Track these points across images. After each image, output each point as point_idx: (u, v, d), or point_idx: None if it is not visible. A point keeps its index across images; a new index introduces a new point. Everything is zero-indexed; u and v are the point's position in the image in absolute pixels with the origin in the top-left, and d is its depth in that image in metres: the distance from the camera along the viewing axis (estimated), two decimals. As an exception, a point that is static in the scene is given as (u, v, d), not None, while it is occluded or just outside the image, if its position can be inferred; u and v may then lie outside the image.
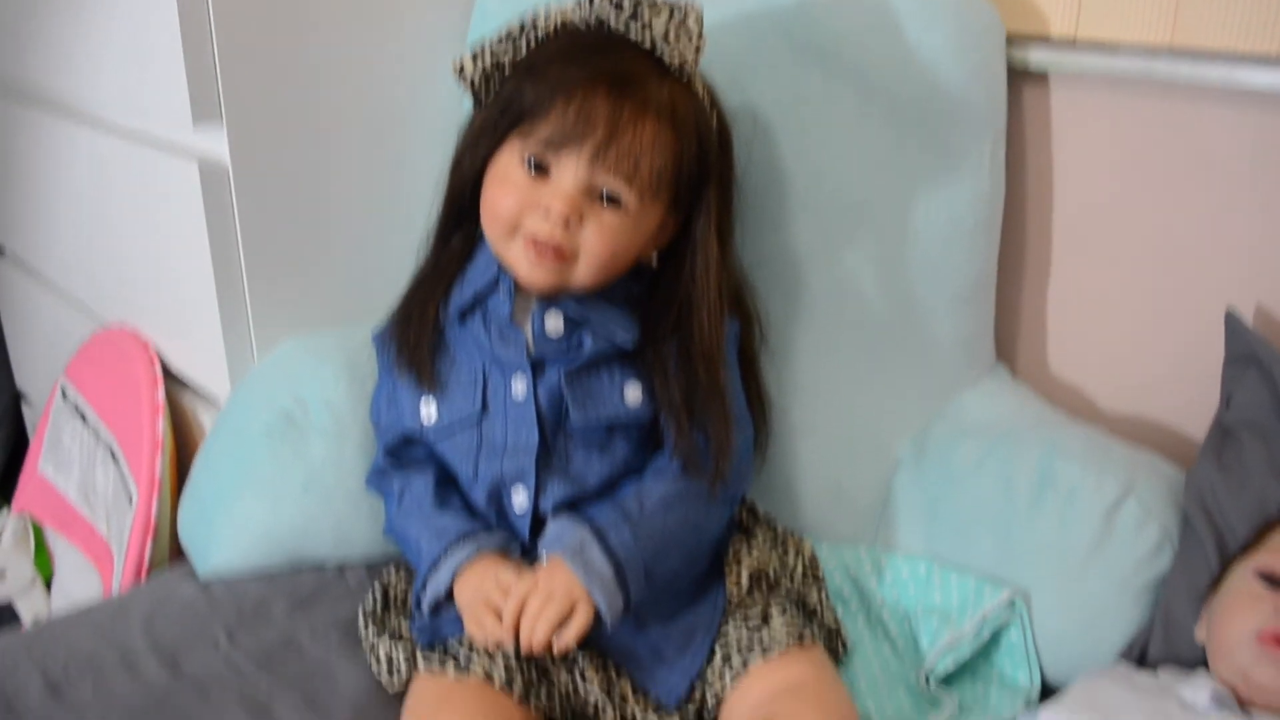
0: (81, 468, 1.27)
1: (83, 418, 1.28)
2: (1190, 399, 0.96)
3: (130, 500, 1.13)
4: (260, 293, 1.04)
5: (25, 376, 1.73)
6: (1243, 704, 0.71)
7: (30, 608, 1.34)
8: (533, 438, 0.83)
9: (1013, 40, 0.98)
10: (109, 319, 1.32)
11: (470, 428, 0.84)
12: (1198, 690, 0.72)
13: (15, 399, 1.77)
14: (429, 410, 0.85)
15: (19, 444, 1.80)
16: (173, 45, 0.94)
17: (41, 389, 1.67)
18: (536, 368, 0.83)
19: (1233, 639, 0.72)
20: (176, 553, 1.12)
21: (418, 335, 0.85)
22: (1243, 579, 0.74)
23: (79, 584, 1.25)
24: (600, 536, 0.78)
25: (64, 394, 1.33)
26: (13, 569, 1.41)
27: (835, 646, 0.89)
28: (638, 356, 0.84)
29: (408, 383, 0.86)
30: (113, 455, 1.19)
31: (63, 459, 1.32)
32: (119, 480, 1.18)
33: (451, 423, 0.85)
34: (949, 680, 0.89)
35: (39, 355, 1.62)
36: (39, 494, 1.37)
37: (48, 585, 1.44)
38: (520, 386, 0.83)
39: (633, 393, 0.83)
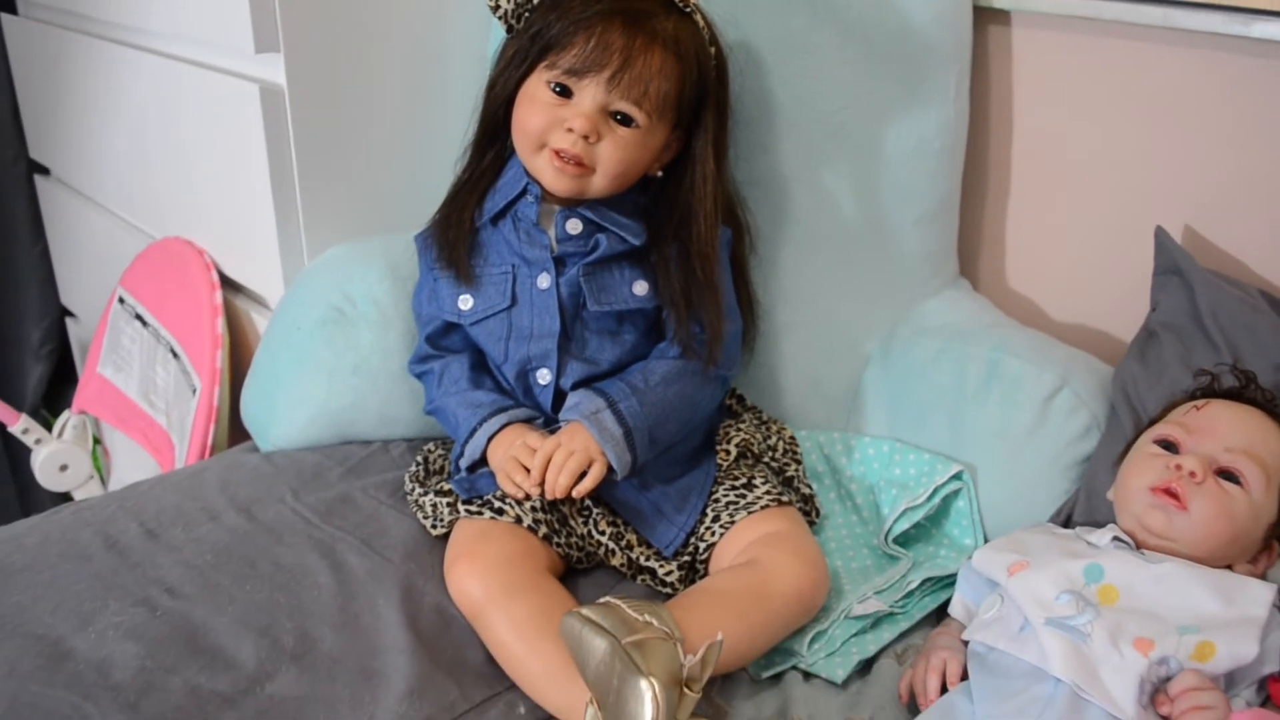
0: (141, 366, 1.40)
1: (141, 321, 1.40)
2: (1125, 307, 1.10)
3: (194, 391, 1.27)
4: (312, 204, 1.16)
5: (70, 294, 1.82)
6: (1138, 546, 0.85)
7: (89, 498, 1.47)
8: (555, 325, 0.96)
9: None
10: (161, 234, 1.42)
11: (501, 316, 0.98)
12: (1102, 535, 0.87)
13: (61, 315, 1.87)
14: (466, 302, 0.99)
15: (64, 358, 1.91)
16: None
17: (87, 305, 1.76)
18: (558, 265, 0.96)
19: (1131, 491, 0.86)
20: (234, 441, 1.26)
21: (456, 237, 0.98)
22: (1144, 444, 0.88)
23: (139, 474, 1.38)
24: (612, 405, 0.92)
25: (121, 300, 1.45)
26: (74, 463, 1.55)
27: (809, 512, 1.04)
28: (644, 257, 0.97)
29: (447, 279, 0.99)
30: (173, 353, 1.32)
31: (122, 359, 1.45)
32: (180, 375, 1.31)
33: (485, 313, 0.98)
34: (905, 543, 1.03)
35: (85, 273, 1.72)
36: (99, 394, 1.49)
37: (102, 481, 1.58)
38: (544, 280, 0.96)
39: (640, 287, 0.96)
